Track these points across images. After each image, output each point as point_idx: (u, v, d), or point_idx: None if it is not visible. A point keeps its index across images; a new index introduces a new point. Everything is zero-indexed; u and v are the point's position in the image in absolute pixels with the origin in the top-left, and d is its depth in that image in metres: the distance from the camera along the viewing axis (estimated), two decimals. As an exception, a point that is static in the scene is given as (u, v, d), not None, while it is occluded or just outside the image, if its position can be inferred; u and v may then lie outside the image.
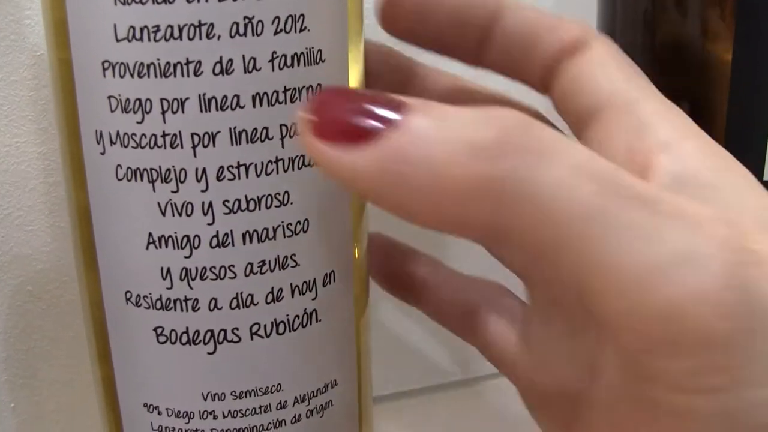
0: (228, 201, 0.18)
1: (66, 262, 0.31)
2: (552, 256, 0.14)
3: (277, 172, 0.18)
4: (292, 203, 0.19)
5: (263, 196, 0.18)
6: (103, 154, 0.18)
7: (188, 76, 0.17)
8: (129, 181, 0.18)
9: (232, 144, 0.18)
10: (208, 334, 0.19)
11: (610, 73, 0.19)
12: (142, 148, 0.18)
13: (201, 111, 0.18)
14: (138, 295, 0.19)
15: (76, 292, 0.31)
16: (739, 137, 0.23)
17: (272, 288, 0.19)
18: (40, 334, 0.32)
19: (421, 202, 0.15)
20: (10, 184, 0.30)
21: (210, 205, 0.18)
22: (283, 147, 0.18)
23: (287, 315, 0.19)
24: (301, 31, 0.18)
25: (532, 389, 0.20)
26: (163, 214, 0.18)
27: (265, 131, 0.18)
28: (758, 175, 0.23)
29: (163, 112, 0.18)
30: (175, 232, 0.18)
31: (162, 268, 0.19)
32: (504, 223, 0.14)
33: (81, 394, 0.33)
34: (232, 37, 0.17)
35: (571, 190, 0.14)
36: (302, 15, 0.18)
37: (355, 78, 0.20)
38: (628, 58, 0.20)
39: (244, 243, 0.19)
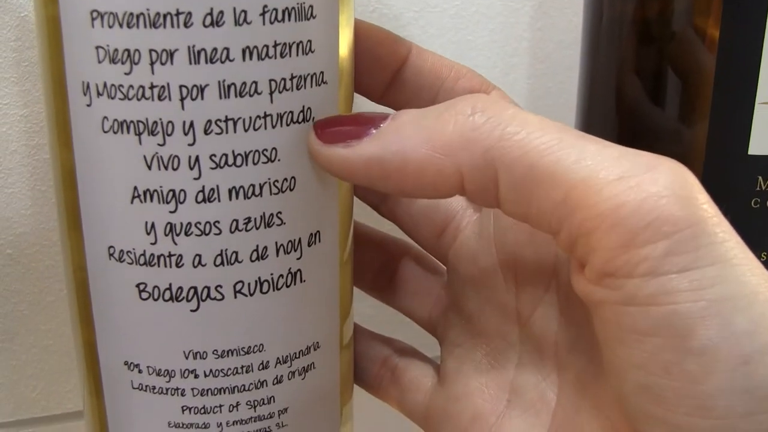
0: (215, 156, 0.18)
1: (47, 226, 0.31)
2: (532, 181, 0.17)
3: (265, 128, 0.18)
4: (279, 160, 0.19)
5: (251, 151, 0.18)
6: (89, 106, 0.18)
7: (178, 27, 0.17)
8: (115, 133, 0.18)
9: (220, 97, 0.18)
10: (192, 291, 0.19)
11: None
12: (129, 99, 0.18)
13: (190, 63, 0.17)
14: (121, 251, 0.19)
15: (56, 257, 0.31)
16: (724, 111, 0.24)
17: (257, 246, 0.19)
18: (19, 297, 0.31)
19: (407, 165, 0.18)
20: (-9, 145, 0.30)
21: (197, 159, 0.18)
22: (271, 102, 0.18)
23: (271, 274, 0.19)
24: (293, -15, 0.18)
25: (447, 423, 0.23)
26: (149, 167, 0.18)
27: (254, 86, 0.18)
28: (743, 147, 0.23)
29: (152, 64, 0.17)
30: (161, 186, 0.18)
31: (146, 223, 0.19)
32: (493, 157, 0.17)
33: (59, 359, 0.32)
34: (223, -12, 0.17)
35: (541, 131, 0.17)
36: (294, -30, 0.18)
37: (345, 39, 0.20)
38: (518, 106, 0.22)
39: (230, 199, 0.18)
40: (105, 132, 0.18)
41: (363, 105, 0.23)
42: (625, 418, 0.18)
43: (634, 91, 0.27)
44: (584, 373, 0.20)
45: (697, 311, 0.16)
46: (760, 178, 0.24)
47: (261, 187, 0.19)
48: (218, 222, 0.18)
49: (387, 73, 0.22)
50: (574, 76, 0.31)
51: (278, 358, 0.20)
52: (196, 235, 0.19)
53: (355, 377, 0.25)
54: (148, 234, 0.19)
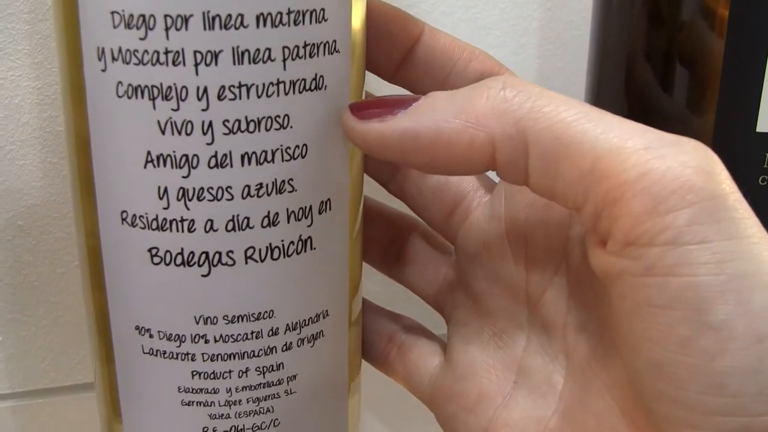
0: (228, 121, 0.18)
1: (57, 198, 0.31)
2: (561, 150, 0.17)
3: (278, 95, 0.18)
4: (291, 127, 0.19)
5: (263, 117, 0.18)
6: (104, 71, 0.18)
7: (193, -8, 0.17)
8: (129, 98, 0.18)
9: (234, 63, 0.18)
10: (203, 256, 0.19)
11: None
12: (144, 64, 0.18)
13: (204, 29, 0.18)
14: (134, 216, 0.19)
15: (66, 229, 0.31)
16: (733, 88, 0.24)
17: (268, 212, 0.19)
18: (30, 269, 0.32)
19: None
20: (3, 117, 0.30)
21: (210, 124, 0.18)
22: (284, 69, 0.18)
23: (282, 240, 0.20)
24: (307, -47, 0.18)
25: (452, 403, 0.23)
26: (163, 132, 0.18)
27: (267, 52, 0.18)
28: (752, 126, 0.24)
29: (167, 29, 0.18)
30: (174, 151, 0.18)
31: (159, 188, 0.19)
32: (525, 127, 0.18)
33: (69, 331, 0.33)
34: (238, -46, 0.17)
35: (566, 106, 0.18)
36: (309, -63, 0.18)
37: (358, 11, 0.20)
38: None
39: (243, 165, 0.19)
40: (119, 97, 0.18)
41: (375, 83, 0.23)
42: (636, 396, 0.18)
43: (644, 72, 0.27)
44: (592, 356, 0.20)
45: (717, 285, 0.16)
46: (767, 155, 0.24)
47: (273, 154, 0.19)
48: (230, 187, 0.19)
49: (399, 52, 0.22)
50: (584, 57, 0.31)
51: (288, 324, 0.20)
52: (209, 200, 0.19)
53: (362, 351, 0.25)
54: (161, 199, 0.19)
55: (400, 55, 0.22)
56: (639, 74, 0.27)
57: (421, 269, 0.26)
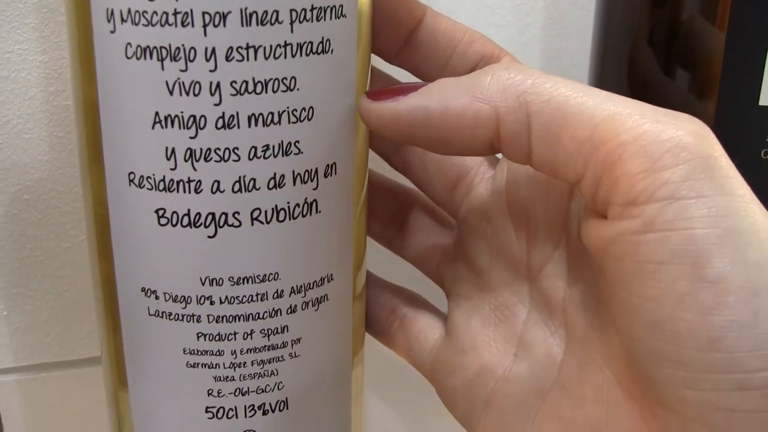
0: (235, 82, 0.18)
1: (64, 172, 0.31)
2: (561, 120, 0.18)
3: (285, 57, 0.19)
4: (298, 89, 0.19)
5: (270, 79, 0.19)
6: (113, 32, 0.19)
7: (201, -48, 0.18)
8: (138, 59, 0.19)
9: (242, 25, 0.18)
10: (209, 217, 0.19)
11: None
12: (153, 25, 0.18)
13: (213, -11, 0.18)
14: (141, 177, 0.19)
15: (72, 203, 0.32)
16: (736, 61, 0.24)
17: (275, 174, 0.19)
18: (35, 243, 0.32)
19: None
20: (9, 91, 0.30)
21: (218, 85, 0.18)
22: (292, 32, 0.19)
23: (288, 203, 0.20)
24: None
25: (453, 376, 0.24)
26: (171, 93, 0.19)
27: (275, 14, 0.18)
28: (754, 99, 0.24)
29: (176, -11, 0.18)
30: (182, 112, 0.19)
31: (167, 148, 0.19)
32: (527, 101, 0.19)
33: (74, 305, 0.33)
34: None
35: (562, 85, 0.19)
36: None
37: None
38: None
39: (249, 126, 0.19)
40: (128, 58, 0.19)
41: (378, 65, 0.24)
42: (632, 368, 0.19)
43: (647, 49, 0.27)
44: (590, 329, 0.21)
45: (714, 238, 0.16)
46: (770, 128, 0.24)
47: (279, 115, 0.19)
48: (237, 149, 0.19)
49: (402, 33, 0.23)
50: (589, 37, 0.31)
51: (293, 287, 0.21)
52: (215, 161, 0.19)
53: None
54: (168, 159, 0.19)
55: (402, 37, 0.23)
56: (643, 51, 0.28)
57: (422, 242, 0.26)
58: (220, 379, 0.21)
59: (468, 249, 0.24)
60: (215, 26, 0.18)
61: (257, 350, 0.21)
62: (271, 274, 0.20)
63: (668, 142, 0.17)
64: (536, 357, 0.22)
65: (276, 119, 0.19)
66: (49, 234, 0.32)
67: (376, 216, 0.26)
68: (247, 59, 0.18)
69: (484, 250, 0.24)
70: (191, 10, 0.18)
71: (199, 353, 0.21)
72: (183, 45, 0.18)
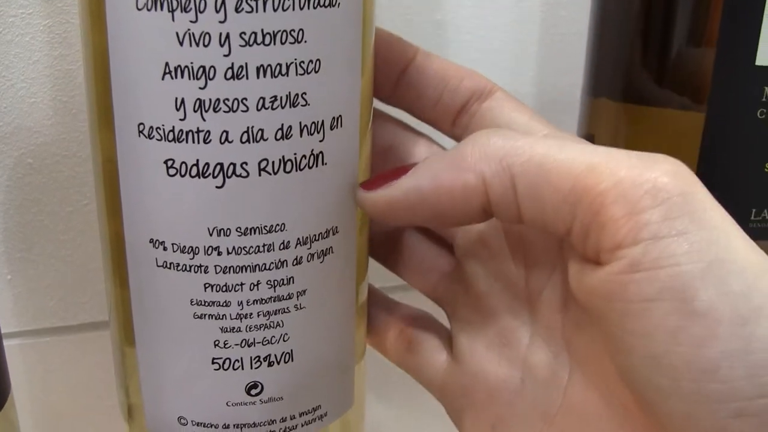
0: (245, 33, 0.19)
1: (68, 136, 0.32)
2: (543, 177, 0.19)
3: (293, 9, 0.19)
4: (306, 41, 0.19)
5: (279, 31, 0.19)
6: (123, -16, 0.19)
7: None
8: (149, 10, 0.19)
9: (251, -25, 0.18)
10: (218, 167, 0.20)
11: (520, 110, 0.24)
12: (163, -24, 0.18)
13: (223, -60, 0.18)
14: (151, 127, 0.20)
15: (76, 167, 0.32)
16: (733, 22, 0.24)
17: (282, 125, 0.20)
18: (39, 207, 0.32)
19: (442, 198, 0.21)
20: (14, 55, 0.30)
21: (227, 36, 0.19)
22: (300, -17, 0.19)
23: (295, 154, 0.20)
24: None
25: (462, 398, 0.24)
26: (181, 43, 0.19)
27: (283, -35, 0.19)
28: (751, 59, 0.24)
29: (186, -60, 0.18)
30: (191, 63, 0.19)
31: (176, 99, 0.19)
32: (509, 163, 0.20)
33: (78, 270, 0.33)
34: None
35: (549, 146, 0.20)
36: None
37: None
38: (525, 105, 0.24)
39: (258, 77, 0.19)
40: (139, 9, 0.19)
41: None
42: (633, 391, 0.19)
43: (645, 9, 0.27)
44: (591, 352, 0.21)
45: (698, 272, 0.17)
46: (766, 88, 0.24)
47: (287, 67, 0.19)
48: (246, 99, 0.19)
49: (395, 72, 0.24)
50: (587, 5, 0.32)
51: (299, 239, 0.21)
52: (224, 111, 0.19)
53: (373, 345, 0.26)
54: (178, 110, 0.19)
55: (395, 75, 0.24)
56: (640, 15, 0.28)
57: (417, 266, 0.26)
58: (226, 330, 0.21)
59: (466, 274, 0.25)
60: (225, -23, 0.18)
61: (263, 301, 0.21)
62: (278, 225, 0.21)
63: (645, 184, 0.18)
64: (541, 381, 0.23)
65: (284, 70, 0.19)
66: (52, 198, 0.32)
67: (370, 237, 0.26)
68: (256, 11, 0.19)
69: (482, 275, 0.24)
70: (201, -39, 0.18)
71: (206, 304, 0.21)
72: (193, -5, 0.18)
